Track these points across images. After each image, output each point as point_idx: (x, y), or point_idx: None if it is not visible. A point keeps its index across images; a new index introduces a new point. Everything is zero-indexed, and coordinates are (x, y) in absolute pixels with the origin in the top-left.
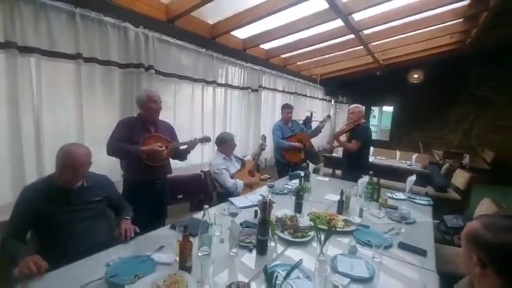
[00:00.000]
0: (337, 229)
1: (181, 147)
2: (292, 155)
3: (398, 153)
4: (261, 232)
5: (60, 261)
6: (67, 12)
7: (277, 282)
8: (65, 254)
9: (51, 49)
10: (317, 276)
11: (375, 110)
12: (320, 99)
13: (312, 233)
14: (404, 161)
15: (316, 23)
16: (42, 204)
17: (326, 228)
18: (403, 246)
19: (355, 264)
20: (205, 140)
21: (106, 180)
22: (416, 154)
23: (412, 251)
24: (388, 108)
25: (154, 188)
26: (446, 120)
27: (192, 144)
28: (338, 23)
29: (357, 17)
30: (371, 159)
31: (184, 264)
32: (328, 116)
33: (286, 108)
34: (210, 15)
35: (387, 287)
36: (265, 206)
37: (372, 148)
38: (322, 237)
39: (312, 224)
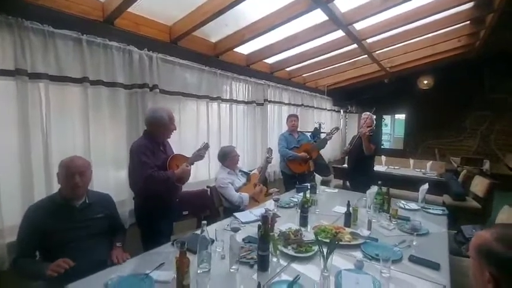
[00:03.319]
0: (344, 243)
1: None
2: (298, 165)
3: (411, 161)
4: (261, 247)
5: (63, 278)
6: (74, 39)
7: None
8: (67, 271)
9: (59, 74)
10: None
11: (387, 118)
12: (328, 110)
13: (316, 248)
14: (418, 170)
15: (318, 35)
16: (46, 222)
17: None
18: (414, 259)
19: (361, 280)
20: (206, 147)
21: (108, 198)
22: (430, 162)
23: (424, 265)
24: (400, 116)
25: (171, 206)
26: (463, 126)
27: (200, 155)
28: (339, 33)
29: (358, 26)
30: (383, 168)
31: (182, 282)
32: (336, 128)
33: (291, 116)
34: (212, 34)
35: None
36: (265, 220)
37: (383, 157)
38: (326, 251)
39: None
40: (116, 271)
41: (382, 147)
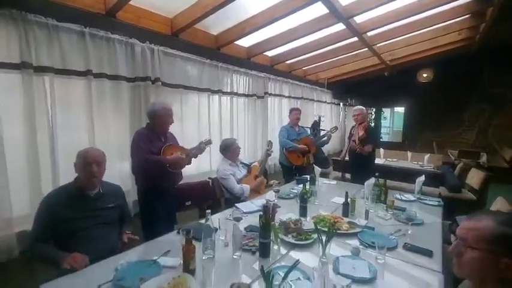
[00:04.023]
0: (342, 231)
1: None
2: (296, 158)
3: (409, 154)
4: (262, 235)
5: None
6: (77, 33)
7: (276, 282)
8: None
9: (64, 67)
10: (317, 278)
11: (386, 111)
12: (328, 103)
13: (315, 236)
14: (415, 162)
15: (318, 28)
16: (61, 210)
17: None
18: (408, 247)
19: (357, 266)
20: (208, 142)
21: (119, 189)
22: (428, 154)
23: (417, 252)
24: (400, 109)
25: (169, 193)
26: (461, 119)
27: (201, 149)
28: (340, 26)
29: (359, 19)
30: (381, 161)
31: (188, 267)
32: (335, 128)
33: (294, 110)
34: (213, 26)
35: (390, 287)
36: (266, 210)
37: (382, 150)
38: (324, 239)
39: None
40: (125, 257)
41: (381, 140)
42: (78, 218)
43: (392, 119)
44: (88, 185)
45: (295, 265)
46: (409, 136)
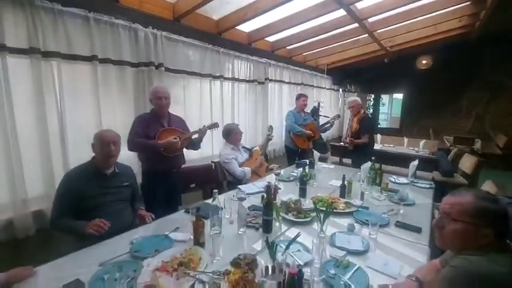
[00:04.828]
0: (338, 211)
1: (194, 137)
2: (302, 141)
3: (405, 140)
4: (265, 213)
5: (92, 239)
6: (82, 18)
7: (278, 253)
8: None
9: (70, 52)
10: (316, 249)
11: (385, 98)
12: (328, 89)
13: (313, 214)
14: (411, 148)
15: (319, 14)
16: (81, 187)
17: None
18: (399, 225)
19: (351, 240)
20: (214, 126)
21: (131, 170)
22: (423, 140)
23: (407, 229)
24: (399, 96)
25: (170, 176)
26: (459, 106)
27: (201, 132)
28: (341, 12)
29: (360, 5)
30: (378, 147)
31: (198, 240)
32: (338, 115)
33: (302, 96)
34: (215, 11)
35: (380, 258)
36: (269, 190)
37: (379, 136)
38: (322, 217)
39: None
40: (139, 232)
41: (379, 126)
42: (96, 194)
43: (391, 105)
44: (105, 164)
45: (297, 236)
46: (407, 122)
